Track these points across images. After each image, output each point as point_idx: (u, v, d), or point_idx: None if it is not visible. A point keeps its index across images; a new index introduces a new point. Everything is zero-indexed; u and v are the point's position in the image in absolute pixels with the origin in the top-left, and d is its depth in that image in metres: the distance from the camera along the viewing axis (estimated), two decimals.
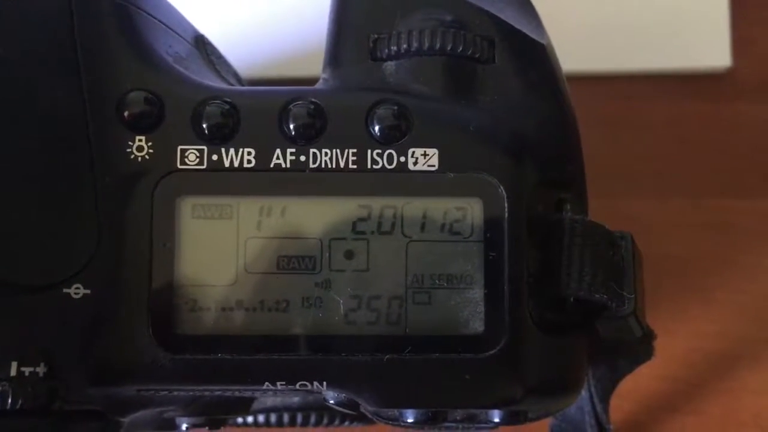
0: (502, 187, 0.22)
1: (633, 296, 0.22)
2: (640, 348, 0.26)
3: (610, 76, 0.36)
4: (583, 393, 0.28)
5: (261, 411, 0.29)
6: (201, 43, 0.25)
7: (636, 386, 0.34)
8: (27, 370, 0.20)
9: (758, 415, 0.35)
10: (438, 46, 0.22)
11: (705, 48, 0.36)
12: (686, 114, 0.37)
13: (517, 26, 0.23)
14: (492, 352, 0.21)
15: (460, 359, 0.21)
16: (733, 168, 0.36)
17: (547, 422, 0.31)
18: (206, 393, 0.23)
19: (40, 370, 0.21)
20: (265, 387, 0.22)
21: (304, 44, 0.34)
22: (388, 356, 0.21)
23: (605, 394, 0.28)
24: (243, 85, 0.27)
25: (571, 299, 0.22)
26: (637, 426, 0.35)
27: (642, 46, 0.36)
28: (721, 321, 0.36)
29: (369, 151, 0.22)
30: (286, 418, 0.29)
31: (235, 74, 0.27)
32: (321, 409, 0.29)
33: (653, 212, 0.36)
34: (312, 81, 0.23)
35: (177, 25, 0.24)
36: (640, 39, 0.36)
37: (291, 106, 0.22)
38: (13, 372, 0.20)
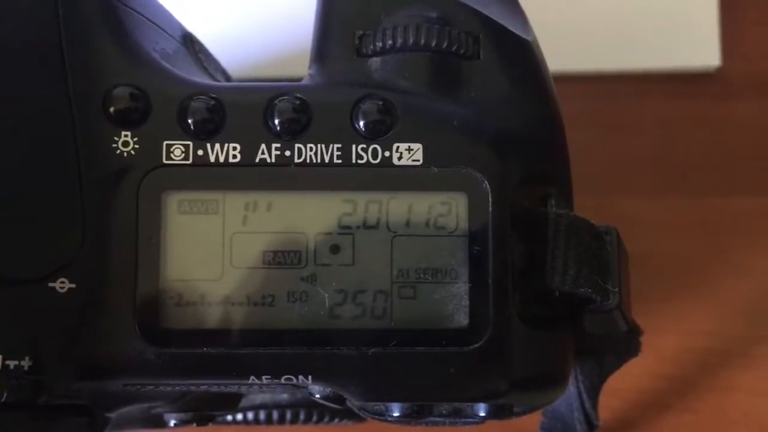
0: (486, 182, 0.22)
1: (617, 290, 0.22)
2: (627, 344, 0.26)
3: (600, 76, 0.36)
4: (572, 389, 0.28)
5: (250, 408, 0.29)
6: (189, 41, 0.25)
7: (627, 384, 0.34)
8: (12, 364, 0.20)
9: (749, 414, 0.35)
10: (423, 42, 0.22)
11: (694, 48, 0.36)
12: (676, 113, 0.37)
13: (502, 22, 0.23)
14: (476, 345, 0.22)
15: (445, 353, 0.22)
16: (723, 167, 0.36)
17: (538, 420, 0.31)
18: (192, 388, 0.23)
19: (25, 363, 0.21)
20: (250, 381, 0.22)
21: (295, 45, 0.34)
22: (373, 350, 0.21)
23: (593, 390, 0.28)
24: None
25: (556, 293, 0.22)
26: (629, 424, 0.35)
27: (632, 46, 0.36)
28: (712, 319, 0.36)
29: (354, 146, 0.22)
30: (275, 415, 0.29)
31: (224, 72, 0.27)
32: (310, 406, 0.29)
33: (644, 211, 0.36)
34: (298, 81, 0.24)
35: (164, 22, 0.24)
36: (629, 39, 0.36)
37: (276, 101, 0.22)
38: None
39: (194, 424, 0.26)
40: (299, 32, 0.34)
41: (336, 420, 0.30)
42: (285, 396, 0.29)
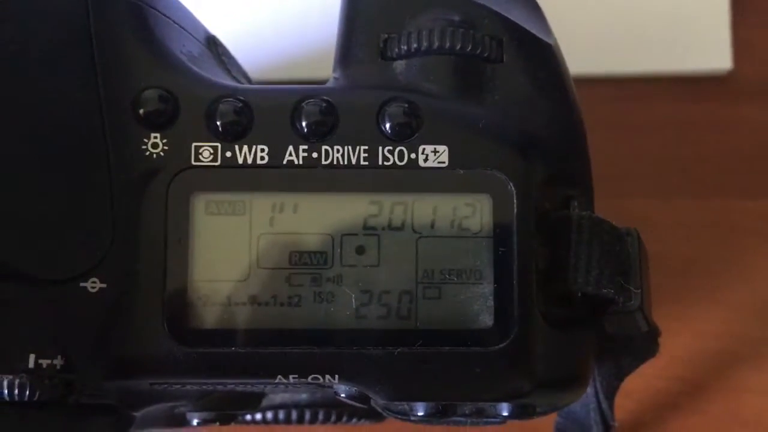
0: (511, 184, 0.22)
1: (639, 291, 0.22)
2: (646, 344, 0.27)
3: (613, 79, 0.37)
4: (589, 390, 0.28)
5: (270, 408, 0.29)
6: (212, 44, 0.26)
7: (639, 385, 0.35)
8: (44, 363, 0.21)
9: (760, 415, 0.35)
10: (447, 45, 0.23)
11: (706, 50, 0.36)
12: (688, 116, 0.37)
13: (525, 26, 0.23)
14: (501, 345, 0.22)
15: (470, 353, 0.22)
16: (734, 169, 0.37)
17: (552, 421, 0.31)
18: (219, 387, 0.23)
19: (57, 362, 0.21)
20: (277, 380, 0.22)
21: (313, 47, 0.34)
22: (398, 350, 0.22)
23: (610, 391, 0.28)
24: None
25: (579, 294, 0.22)
26: (641, 425, 0.35)
27: (643, 49, 0.36)
28: (723, 321, 0.36)
29: (380, 148, 0.22)
30: (294, 414, 0.29)
31: (245, 75, 0.28)
32: (329, 406, 0.29)
33: (656, 213, 0.36)
34: (321, 83, 0.24)
35: (189, 25, 0.24)
36: (641, 42, 0.36)
37: (303, 103, 0.22)
38: (31, 364, 0.21)
39: (217, 423, 0.26)
40: (315, 34, 0.34)
41: (354, 420, 0.30)
42: (304, 396, 0.29)
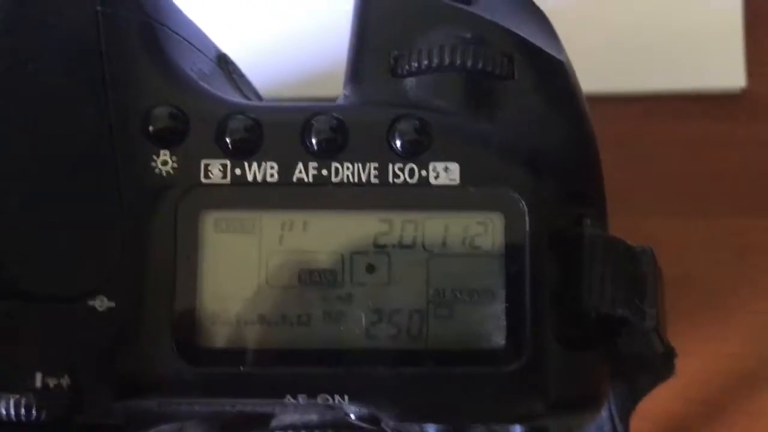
0: (523, 202, 0.22)
1: (654, 311, 0.22)
2: (661, 366, 0.26)
3: (626, 97, 0.37)
4: (603, 412, 0.28)
5: (279, 428, 0.29)
6: (223, 62, 0.26)
7: (655, 407, 0.34)
8: (51, 382, 0.21)
9: None
10: (458, 62, 0.23)
11: (720, 69, 0.36)
12: (702, 134, 0.37)
13: (536, 42, 0.23)
14: (513, 366, 0.21)
15: (482, 373, 0.21)
16: (749, 187, 0.36)
17: None
18: (227, 407, 0.23)
19: (64, 381, 0.21)
20: (286, 401, 0.22)
21: (324, 65, 0.34)
22: (409, 370, 0.21)
23: (626, 413, 0.28)
24: None
25: (593, 314, 0.22)
26: None
27: (657, 67, 0.36)
28: (739, 341, 0.35)
29: (390, 166, 0.22)
30: None
31: (256, 93, 0.28)
32: (339, 427, 0.29)
33: (670, 232, 0.36)
34: (332, 101, 0.24)
35: (200, 43, 0.24)
36: (655, 60, 0.36)
37: (313, 120, 0.22)
38: (37, 383, 0.21)
39: None
40: (326, 52, 0.34)
41: None
42: (314, 417, 0.29)
